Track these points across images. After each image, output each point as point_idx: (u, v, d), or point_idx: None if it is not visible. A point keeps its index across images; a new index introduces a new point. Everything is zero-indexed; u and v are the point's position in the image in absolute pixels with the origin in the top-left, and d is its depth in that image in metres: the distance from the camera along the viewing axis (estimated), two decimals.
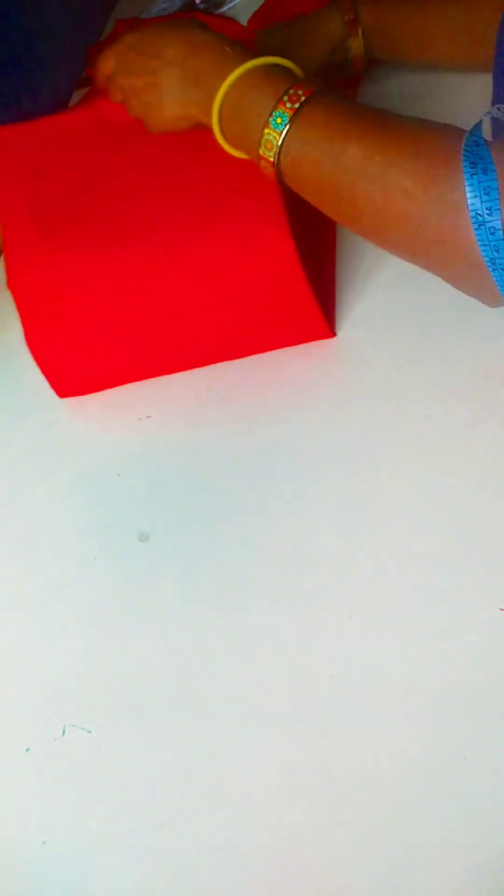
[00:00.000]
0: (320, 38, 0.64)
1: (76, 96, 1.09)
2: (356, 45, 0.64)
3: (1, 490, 0.61)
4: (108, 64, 0.57)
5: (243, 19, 0.97)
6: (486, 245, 0.37)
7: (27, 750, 0.46)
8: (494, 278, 0.39)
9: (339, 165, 0.41)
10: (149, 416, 0.60)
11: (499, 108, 0.42)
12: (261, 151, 0.44)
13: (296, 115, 0.42)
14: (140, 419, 0.60)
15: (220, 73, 0.46)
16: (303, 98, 0.43)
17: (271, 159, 0.44)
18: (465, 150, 0.37)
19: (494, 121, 0.43)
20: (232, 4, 1.01)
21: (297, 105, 0.42)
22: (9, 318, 0.77)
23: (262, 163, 0.45)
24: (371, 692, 0.40)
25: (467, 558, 0.43)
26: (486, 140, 0.38)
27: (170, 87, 0.50)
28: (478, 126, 0.38)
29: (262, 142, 0.44)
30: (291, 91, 0.43)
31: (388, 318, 0.53)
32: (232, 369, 0.59)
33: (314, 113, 0.43)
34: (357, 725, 0.40)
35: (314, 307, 0.57)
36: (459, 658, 0.40)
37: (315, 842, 0.37)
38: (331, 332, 0.57)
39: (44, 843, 0.42)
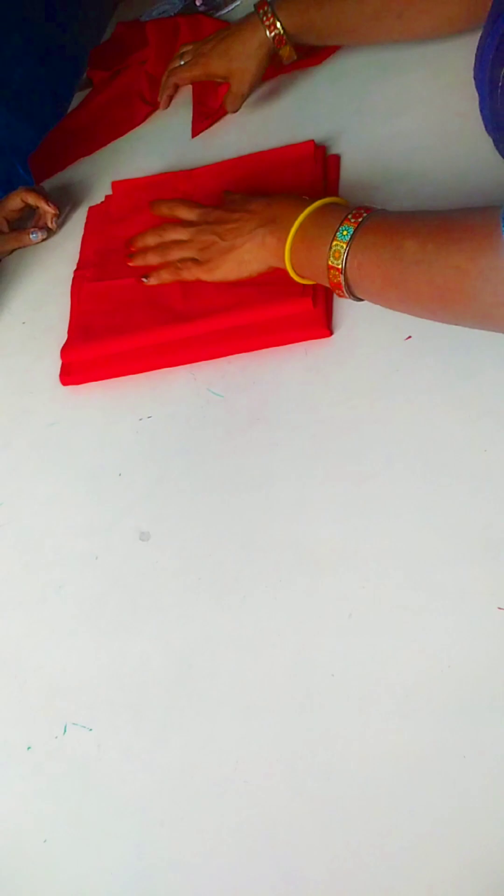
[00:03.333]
0: (255, 51, 0.75)
1: (77, 98, 1.09)
2: (286, 52, 0.76)
3: (2, 490, 0.61)
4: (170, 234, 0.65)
5: None
6: None
7: (28, 748, 0.46)
8: None
9: (399, 258, 0.46)
10: (149, 417, 0.60)
11: None
12: (329, 262, 0.50)
13: (359, 227, 0.49)
14: (140, 419, 0.60)
15: (295, 212, 0.54)
16: (364, 215, 0.50)
17: (339, 266, 0.50)
18: (501, 218, 0.41)
19: None
20: (232, 7, 1.02)
21: (360, 220, 0.49)
22: (9, 319, 0.78)
23: (331, 273, 0.51)
24: (370, 691, 0.41)
25: (466, 558, 0.43)
26: None
27: (249, 229, 0.57)
28: None
29: (331, 253, 0.50)
30: (354, 211, 0.51)
31: (385, 317, 0.53)
32: (231, 369, 0.60)
33: (373, 223, 0.49)
34: (356, 724, 0.40)
35: (317, 309, 0.57)
36: (458, 657, 0.40)
37: (314, 840, 0.38)
38: (328, 331, 0.57)
39: (45, 841, 0.42)
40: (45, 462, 0.61)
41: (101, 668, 0.48)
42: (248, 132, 0.82)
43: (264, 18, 0.73)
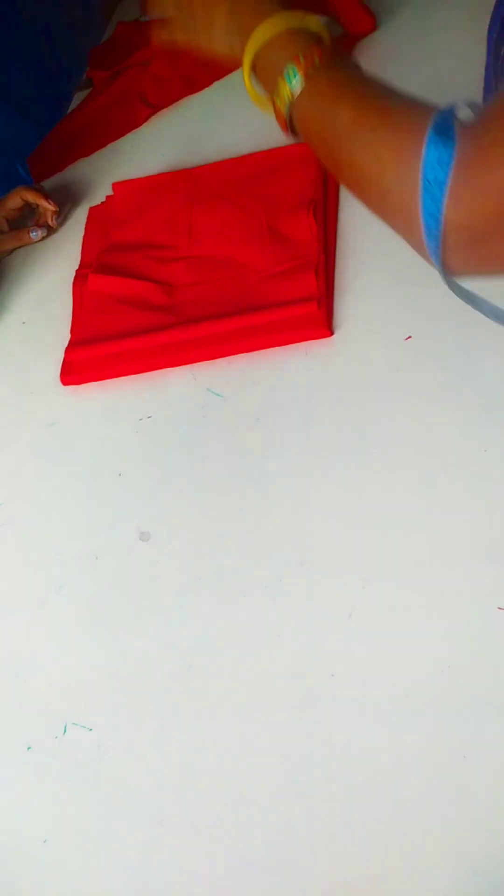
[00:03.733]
0: None
1: (77, 98, 1.09)
2: None
3: (3, 490, 0.61)
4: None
5: None
6: (426, 213, 0.39)
7: (28, 748, 0.46)
8: (427, 243, 0.40)
9: (334, 127, 0.45)
10: (149, 417, 0.60)
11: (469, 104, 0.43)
12: (275, 100, 0.48)
13: (307, 76, 0.46)
14: (140, 419, 0.60)
15: (260, 15, 0.50)
16: (317, 62, 0.47)
17: (283, 111, 0.48)
18: (433, 123, 0.39)
19: (473, 104, 0.45)
20: None
21: (310, 66, 0.46)
22: (10, 319, 0.78)
23: (276, 111, 0.49)
24: (370, 690, 0.41)
25: (466, 558, 0.43)
26: (458, 120, 0.40)
27: (221, 14, 0.54)
28: (452, 105, 0.40)
29: (277, 91, 0.48)
30: (306, 52, 0.47)
31: (385, 317, 0.53)
32: (231, 369, 0.60)
33: (320, 78, 0.47)
34: (356, 723, 0.40)
35: (319, 310, 0.57)
36: (458, 657, 0.40)
37: (314, 839, 0.38)
38: (329, 331, 0.57)
39: (45, 841, 0.42)
40: (45, 462, 0.61)
41: (101, 668, 0.48)
42: (248, 132, 0.82)
43: None
